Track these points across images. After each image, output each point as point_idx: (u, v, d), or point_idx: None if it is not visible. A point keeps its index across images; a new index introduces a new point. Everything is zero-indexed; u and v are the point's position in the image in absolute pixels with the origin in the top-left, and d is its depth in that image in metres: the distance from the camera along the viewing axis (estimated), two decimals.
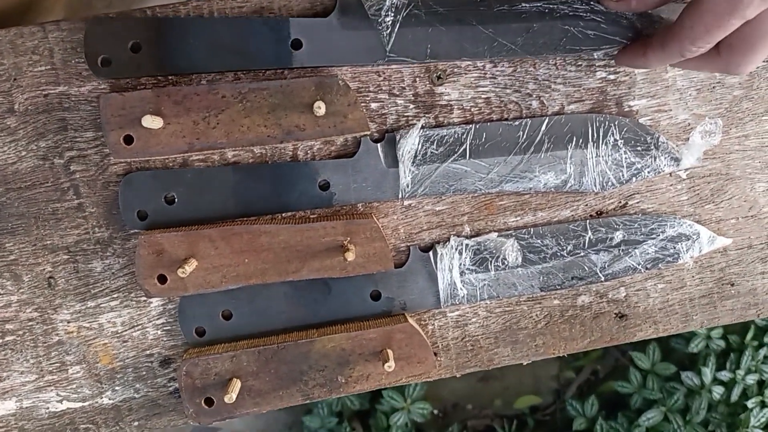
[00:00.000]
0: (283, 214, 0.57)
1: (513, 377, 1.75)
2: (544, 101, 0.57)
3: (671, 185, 0.59)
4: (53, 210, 0.55)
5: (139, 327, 0.57)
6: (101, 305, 0.56)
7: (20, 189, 0.54)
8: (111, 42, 0.52)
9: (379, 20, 0.53)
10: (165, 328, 0.57)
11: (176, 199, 0.55)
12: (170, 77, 0.54)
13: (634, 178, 0.58)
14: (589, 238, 0.58)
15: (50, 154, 0.54)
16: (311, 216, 0.57)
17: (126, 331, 0.57)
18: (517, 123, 0.57)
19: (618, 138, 0.57)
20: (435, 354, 0.59)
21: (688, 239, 0.59)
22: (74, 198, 0.55)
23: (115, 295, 0.56)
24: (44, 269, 0.56)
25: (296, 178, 0.55)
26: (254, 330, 0.57)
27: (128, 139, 0.52)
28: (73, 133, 0.54)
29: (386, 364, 0.53)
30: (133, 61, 0.53)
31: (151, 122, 0.49)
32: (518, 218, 0.58)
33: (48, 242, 0.55)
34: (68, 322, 0.56)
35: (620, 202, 0.59)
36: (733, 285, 0.61)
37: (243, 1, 0.54)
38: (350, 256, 0.52)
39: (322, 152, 0.56)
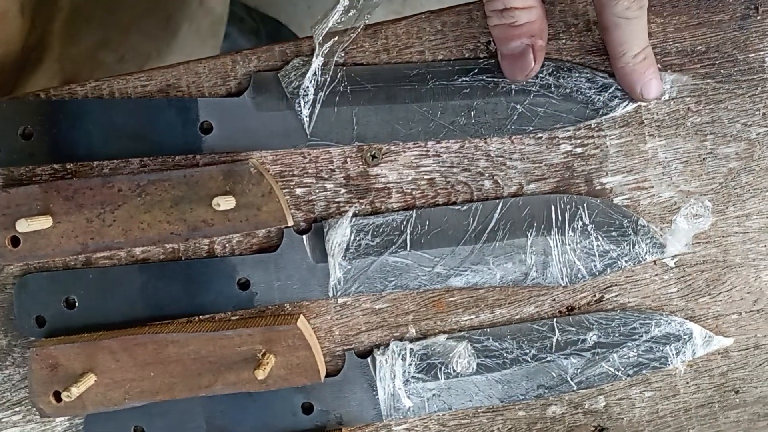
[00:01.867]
0: (201, 317, 0.50)
1: None
2: (499, 181, 0.49)
3: (656, 275, 0.50)
4: None
5: None
6: (2, 420, 0.50)
7: None
8: (0, 128, 0.47)
9: (298, 100, 0.46)
10: None
11: (77, 303, 0.49)
12: (68, 167, 0.48)
13: (608, 269, 0.49)
14: (557, 339, 0.49)
15: None
16: (232, 318, 0.50)
17: None
18: (466, 207, 0.49)
19: (588, 222, 0.48)
20: None
21: (679, 340, 0.49)
22: None
23: (17, 409, 0.50)
24: None
25: (212, 276, 0.49)
26: None
27: (15, 241, 0.47)
28: None
29: None
30: (25, 150, 0.47)
31: (28, 226, 0.43)
32: (472, 317, 0.50)
33: None
34: None
35: (594, 296, 0.50)
36: (737, 392, 0.51)
37: (147, 80, 0.48)
38: (261, 374, 0.45)
39: (242, 246, 0.49)
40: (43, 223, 0.45)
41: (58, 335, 0.48)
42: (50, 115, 0.47)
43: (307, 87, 0.46)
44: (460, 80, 0.47)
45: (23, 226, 0.43)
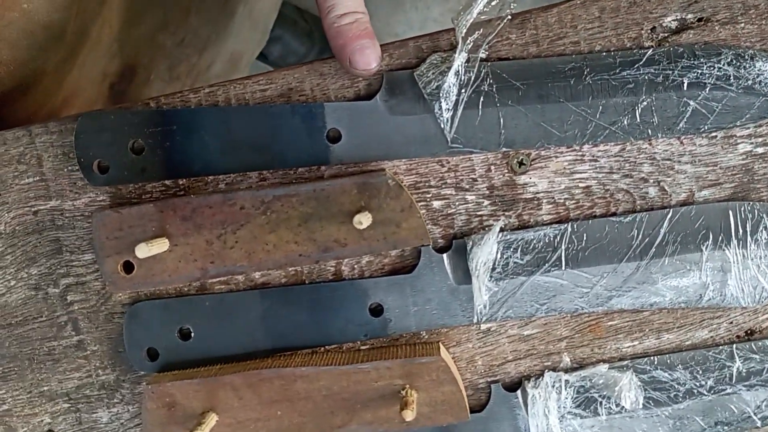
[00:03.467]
0: (328, 348, 0.44)
1: None
2: (666, 187, 0.43)
3: None
4: (49, 349, 0.45)
5: None
6: None
7: (10, 326, 0.45)
8: (108, 143, 0.42)
9: (438, 102, 0.41)
10: None
11: (193, 333, 0.44)
12: (181, 183, 0.43)
13: None
14: (738, 368, 0.43)
15: (43, 282, 0.44)
16: (362, 348, 0.44)
17: None
18: (629, 219, 0.42)
19: None
20: None
21: None
22: (73, 334, 0.45)
23: None
24: (42, 420, 0.46)
25: (340, 301, 0.43)
26: None
27: (128, 267, 0.42)
28: (69, 256, 0.44)
29: None
30: (136, 165, 0.42)
31: (148, 251, 0.39)
32: (635, 343, 0.44)
33: (45, 388, 0.45)
34: None
35: None
36: None
37: (266, 83, 0.43)
38: (409, 414, 0.39)
39: (372, 267, 0.44)
40: (161, 246, 0.40)
41: (171, 369, 0.44)
42: (162, 126, 0.42)
43: (448, 87, 0.41)
44: (622, 74, 0.41)
45: (143, 251, 0.38)
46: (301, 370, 0.42)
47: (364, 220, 0.39)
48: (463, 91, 0.41)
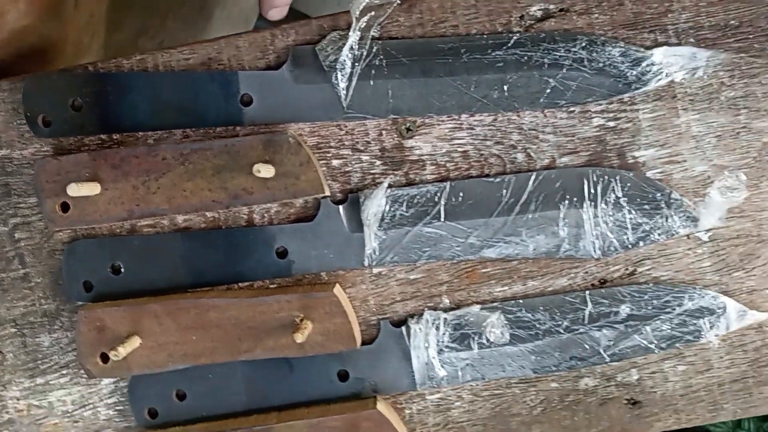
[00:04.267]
0: (240, 285, 0.51)
1: None
2: (531, 154, 0.50)
3: (690, 249, 0.50)
4: None
5: (90, 406, 0.53)
6: (50, 382, 0.52)
7: None
8: (51, 100, 0.49)
9: (335, 73, 0.48)
10: (117, 408, 0.53)
11: (123, 269, 0.50)
12: (115, 137, 0.50)
13: (641, 242, 0.49)
14: (590, 311, 0.50)
15: None
16: (270, 286, 0.51)
17: (76, 410, 0.53)
18: (499, 180, 0.49)
19: (620, 195, 0.49)
20: None
21: (713, 314, 0.49)
22: (20, 267, 0.52)
23: (64, 372, 0.52)
24: None
25: (251, 244, 0.50)
26: (210, 412, 0.52)
27: (65, 207, 0.49)
28: (16, 199, 0.51)
29: None
30: (75, 121, 0.49)
31: (78, 190, 0.45)
32: (505, 288, 0.51)
33: None
34: (18, 400, 0.53)
35: (627, 269, 0.50)
36: None
37: (189, 53, 0.49)
38: (300, 337, 0.46)
39: (280, 215, 0.51)
40: (92, 189, 0.47)
41: (104, 300, 0.50)
42: (99, 87, 0.49)
43: (344, 60, 0.47)
44: (493, 54, 0.48)
45: (74, 190, 0.45)
46: (213, 301, 0.49)
47: (262, 169, 0.45)
48: (356, 64, 0.48)
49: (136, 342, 0.48)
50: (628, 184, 0.49)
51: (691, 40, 0.47)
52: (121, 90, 0.49)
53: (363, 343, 0.51)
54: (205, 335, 0.49)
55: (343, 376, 0.51)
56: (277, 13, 0.49)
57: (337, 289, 0.49)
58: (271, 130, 0.49)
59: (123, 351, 0.47)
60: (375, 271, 0.51)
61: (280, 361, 0.51)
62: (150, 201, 0.48)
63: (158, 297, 0.50)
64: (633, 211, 0.49)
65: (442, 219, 0.49)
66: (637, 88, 0.48)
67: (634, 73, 0.48)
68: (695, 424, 0.50)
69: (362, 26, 0.47)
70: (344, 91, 0.48)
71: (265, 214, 0.51)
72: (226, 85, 0.49)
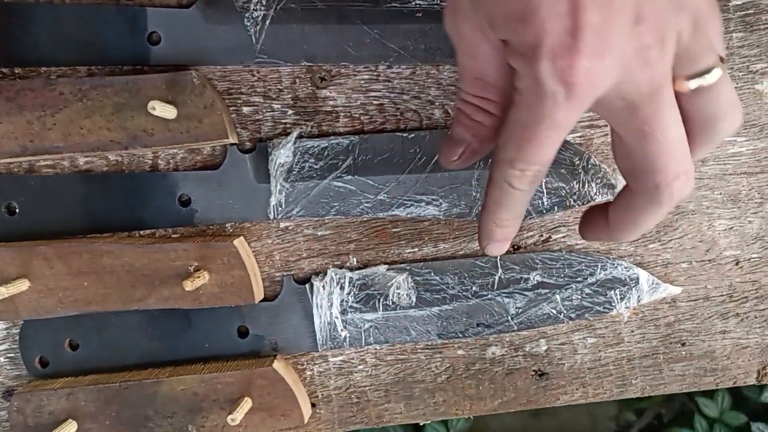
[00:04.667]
0: (141, 233, 0.49)
1: (568, 414, 1.63)
2: (449, 111, 0.48)
3: None
4: None
5: None
6: None
7: None
8: None
9: (248, 15, 0.46)
10: (8, 356, 0.50)
11: (18, 209, 0.48)
12: (17, 71, 0.48)
13: (556, 207, 0.47)
14: (500, 277, 0.48)
15: None
16: (173, 236, 0.49)
17: None
18: (414, 135, 0.48)
19: None
20: (313, 405, 0.50)
21: (624, 285, 0.48)
22: None
23: None
24: None
25: (153, 190, 0.48)
26: (104, 364, 0.50)
27: None
28: None
29: (229, 417, 0.44)
30: None
31: None
32: (415, 249, 0.49)
33: None
34: None
35: (541, 235, 0.48)
36: (683, 345, 0.49)
37: None
38: (189, 285, 0.44)
39: (186, 162, 0.49)
40: None
41: None
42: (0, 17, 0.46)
43: (258, 1, 0.45)
44: (413, 3, 0.46)
45: None
46: (107, 246, 0.47)
47: (158, 107, 0.43)
48: (270, 7, 0.46)
49: (23, 285, 0.46)
50: None
51: None
52: (24, 22, 0.46)
53: (266, 300, 0.49)
54: (98, 281, 0.47)
55: (243, 332, 0.49)
56: None
57: (239, 241, 0.47)
58: (170, 69, 0.47)
59: (5, 290, 0.44)
60: (282, 225, 0.49)
61: (177, 314, 0.49)
62: (45, 137, 0.46)
63: (50, 240, 0.48)
64: (549, 175, 0.47)
65: (353, 173, 0.47)
66: None
67: None
68: (602, 398, 0.49)
69: None
70: (256, 34, 0.46)
71: (171, 161, 0.49)
72: (134, 22, 0.46)
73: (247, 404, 0.46)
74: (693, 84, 0.34)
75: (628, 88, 0.32)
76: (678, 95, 0.33)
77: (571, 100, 0.31)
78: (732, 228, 0.48)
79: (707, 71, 0.33)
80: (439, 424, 1.35)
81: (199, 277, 0.45)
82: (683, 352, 0.49)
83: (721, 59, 0.34)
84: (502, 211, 0.39)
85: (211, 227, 0.49)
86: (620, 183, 0.47)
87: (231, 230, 0.49)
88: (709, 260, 0.48)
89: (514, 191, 0.37)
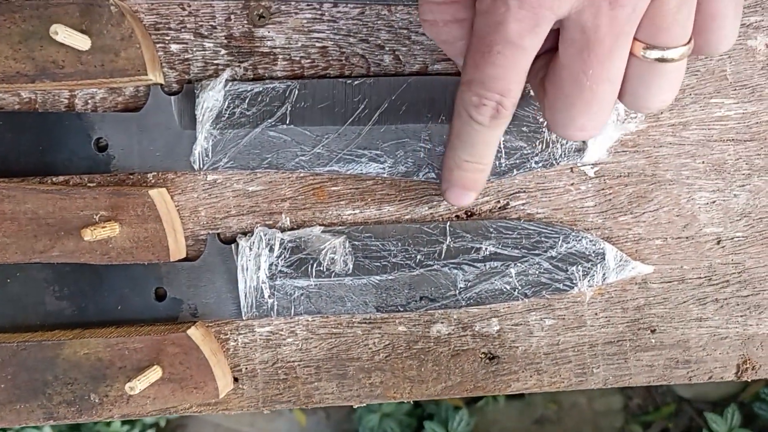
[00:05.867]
0: (54, 180, 0.44)
1: (571, 423, 1.58)
2: (401, 57, 0.42)
3: (572, 185, 0.43)
4: None
5: None
6: None
7: None
8: None
9: None
10: None
11: None
12: None
13: (516, 170, 0.42)
14: (448, 246, 0.43)
15: None
16: (89, 185, 0.44)
17: None
18: (359, 82, 0.42)
19: None
20: (236, 380, 0.45)
21: (588, 261, 0.42)
22: None
23: None
24: None
25: (66, 132, 0.43)
26: (6, 322, 0.45)
27: None
28: None
29: (128, 385, 0.39)
30: None
31: None
32: (356, 211, 0.44)
33: None
34: None
35: (499, 201, 0.43)
36: (653, 332, 0.43)
37: None
38: (88, 234, 0.39)
39: (105, 104, 0.44)
40: None
41: None
42: None
43: None
44: None
45: None
46: (9, 190, 0.42)
47: (60, 31, 0.38)
48: None
49: None
50: None
51: None
52: None
53: (187, 259, 0.44)
54: None
55: (161, 295, 0.44)
56: None
57: (157, 192, 0.42)
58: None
59: None
60: (209, 178, 0.44)
61: (88, 271, 0.44)
62: None
63: None
64: (508, 132, 0.42)
65: (288, 122, 0.42)
66: None
67: None
68: (559, 388, 0.43)
69: None
70: None
71: (89, 101, 0.44)
72: None
73: (155, 373, 0.41)
74: (650, 54, 0.31)
75: (589, 22, 0.30)
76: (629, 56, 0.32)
77: (524, 9, 0.30)
78: (714, 202, 0.42)
79: (670, 48, 0.31)
80: (439, 427, 1.32)
81: (104, 227, 0.40)
82: (653, 340, 0.43)
83: (689, 42, 0.32)
84: (462, 149, 0.37)
85: (131, 176, 0.44)
86: (589, 146, 0.42)
87: (153, 181, 0.44)
88: (687, 237, 0.43)
89: (473, 123, 0.35)
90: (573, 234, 0.42)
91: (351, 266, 0.43)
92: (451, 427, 1.34)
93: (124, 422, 1.32)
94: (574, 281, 0.42)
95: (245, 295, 0.43)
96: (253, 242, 0.43)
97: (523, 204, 0.43)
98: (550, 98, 0.34)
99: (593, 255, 0.42)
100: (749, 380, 0.43)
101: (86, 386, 0.43)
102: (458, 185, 0.39)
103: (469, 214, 0.43)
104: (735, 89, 0.42)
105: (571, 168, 0.42)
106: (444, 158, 0.39)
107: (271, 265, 0.43)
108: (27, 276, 0.44)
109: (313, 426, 1.61)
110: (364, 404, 0.44)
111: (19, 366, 0.43)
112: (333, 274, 0.43)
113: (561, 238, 0.42)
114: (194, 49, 0.43)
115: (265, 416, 1.59)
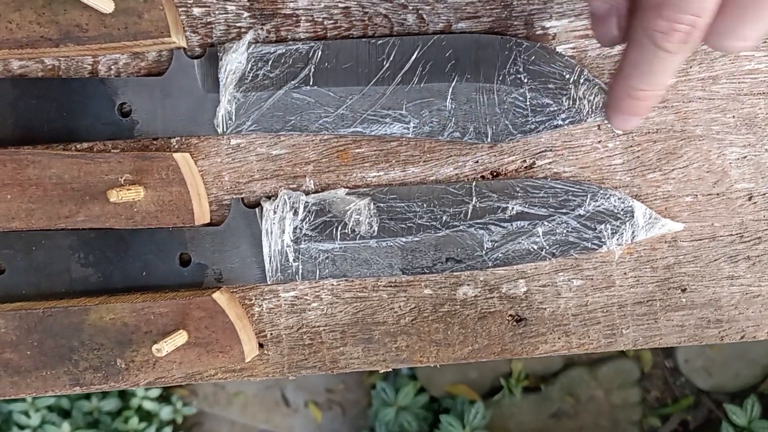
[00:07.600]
0: (78, 147, 0.44)
1: (588, 417, 1.57)
2: (424, 16, 0.42)
3: (599, 143, 0.42)
4: None
5: None
6: None
7: None
8: None
9: None
10: None
11: None
12: None
13: (542, 127, 0.41)
14: (474, 206, 0.42)
15: None
16: (113, 151, 0.44)
17: None
18: (382, 42, 0.42)
19: (522, 69, 0.41)
20: (261, 345, 0.44)
21: (617, 219, 0.42)
22: None
23: None
24: None
25: (89, 98, 0.43)
26: (32, 290, 0.45)
27: None
28: None
29: (154, 346, 0.39)
30: None
31: None
32: (381, 173, 0.43)
33: None
34: None
35: (525, 161, 0.43)
36: (684, 291, 0.43)
37: None
38: (113, 196, 0.39)
39: (129, 69, 0.44)
40: None
41: None
42: None
43: None
44: None
45: None
46: (34, 156, 0.42)
47: None
48: None
49: None
50: (533, 58, 0.41)
51: None
52: None
53: (211, 224, 0.44)
54: (22, 194, 0.42)
55: (186, 261, 0.44)
56: None
57: (181, 156, 0.42)
58: None
59: None
60: (233, 142, 0.44)
61: (113, 237, 0.44)
62: None
63: None
64: (535, 90, 0.41)
65: (312, 83, 0.42)
66: None
67: None
68: (588, 350, 0.43)
69: None
70: None
71: (112, 66, 0.44)
72: None
73: (181, 337, 0.41)
74: None
75: None
76: None
77: None
78: (746, 157, 0.42)
79: None
80: (455, 420, 1.32)
81: (130, 189, 0.40)
82: (683, 300, 0.42)
83: None
84: (639, 79, 0.33)
85: (155, 142, 0.44)
86: None
87: (177, 146, 0.44)
88: (718, 194, 0.42)
89: (658, 52, 0.31)
90: (601, 192, 0.42)
91: (376, 228, 0.42)
92: (467, 420, 1.33)
93: (141, 419, 1.33)
94: (603, 240, 0.41)
95: (270, 259, 0.43)
96: (278, 205, 0.43)
97: (549, 163, 0.42)
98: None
99: (622, 213, 0.41)
100: None
101: (112, 351, 0.42)
102: (627, 113, 0.36)
103: (494, 174, 0.43)
104: (765, 41, 0.41)
105: (599, 125, 0.42)
106: (613, 85, 0.36)
107: (295, 228, 0.43)
108: (52, 243, 0.44)
109: (328, 422, 1.61)
110: (390, 369, 0.44)
111: (45, 332, 0.43)
112: (358, 236, 0.43)
113: (589, 196, 0.42)
114: (217, 12, 0.43)
115: (280, 412, 1.59)
